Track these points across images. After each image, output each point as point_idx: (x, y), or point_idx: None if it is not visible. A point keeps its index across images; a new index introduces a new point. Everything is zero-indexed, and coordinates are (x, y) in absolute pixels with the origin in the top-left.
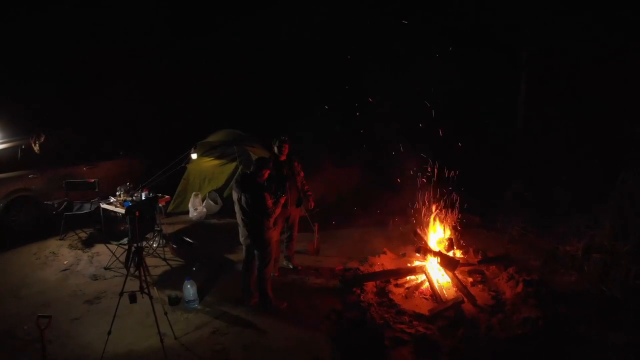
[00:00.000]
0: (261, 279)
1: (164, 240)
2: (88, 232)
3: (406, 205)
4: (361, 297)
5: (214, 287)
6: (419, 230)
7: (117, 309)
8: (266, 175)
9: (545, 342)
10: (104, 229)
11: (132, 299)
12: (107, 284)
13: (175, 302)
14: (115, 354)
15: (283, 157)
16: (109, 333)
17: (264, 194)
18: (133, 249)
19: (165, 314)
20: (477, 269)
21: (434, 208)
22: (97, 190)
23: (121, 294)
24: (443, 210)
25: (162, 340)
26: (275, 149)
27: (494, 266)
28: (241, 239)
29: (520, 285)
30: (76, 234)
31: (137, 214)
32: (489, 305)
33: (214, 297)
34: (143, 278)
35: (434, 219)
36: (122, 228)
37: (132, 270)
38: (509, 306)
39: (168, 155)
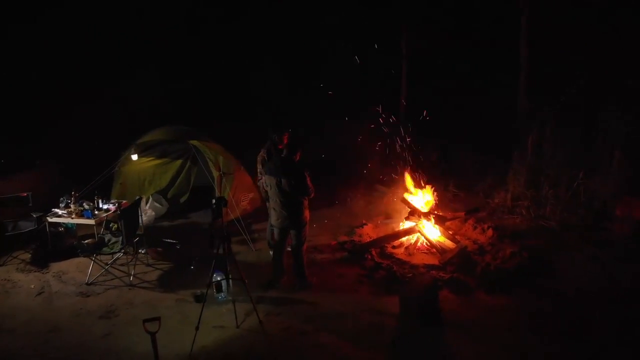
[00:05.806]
0: (299, 258)
1: (136, 246)
2: (30, 252)
3: (350, 185)
4: (376, 259)
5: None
6: (406, 197)
7: (204, 300)
8: (299, 156)
9: (535, 265)
10: (51, 245)
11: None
12: (107, 297)
13: (201, 299)
14: (199, 352)
15: (280, 146)
16: (197, 328)
17: (305, 174)
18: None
19: (254, 301)
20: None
21: (407, 177)
22: (30, 204)
23: (209, 285)
24: (413, 177)
25: (260, 322)
26: (276, 137)
27: (456, 220)
28: (276, 222)
29: (490, 231)
30: (12, 256)
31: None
32: (475, 249)
33: (235, 288)
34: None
35: (414, 186)
36: (74, 242)
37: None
38: (489, 247)
39: (85, 160)
